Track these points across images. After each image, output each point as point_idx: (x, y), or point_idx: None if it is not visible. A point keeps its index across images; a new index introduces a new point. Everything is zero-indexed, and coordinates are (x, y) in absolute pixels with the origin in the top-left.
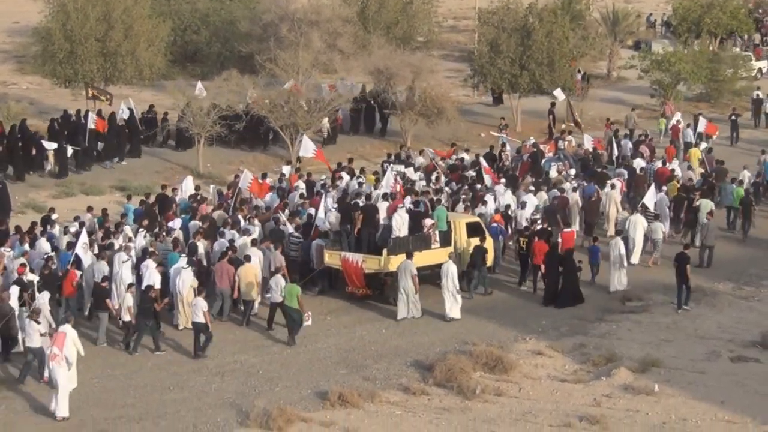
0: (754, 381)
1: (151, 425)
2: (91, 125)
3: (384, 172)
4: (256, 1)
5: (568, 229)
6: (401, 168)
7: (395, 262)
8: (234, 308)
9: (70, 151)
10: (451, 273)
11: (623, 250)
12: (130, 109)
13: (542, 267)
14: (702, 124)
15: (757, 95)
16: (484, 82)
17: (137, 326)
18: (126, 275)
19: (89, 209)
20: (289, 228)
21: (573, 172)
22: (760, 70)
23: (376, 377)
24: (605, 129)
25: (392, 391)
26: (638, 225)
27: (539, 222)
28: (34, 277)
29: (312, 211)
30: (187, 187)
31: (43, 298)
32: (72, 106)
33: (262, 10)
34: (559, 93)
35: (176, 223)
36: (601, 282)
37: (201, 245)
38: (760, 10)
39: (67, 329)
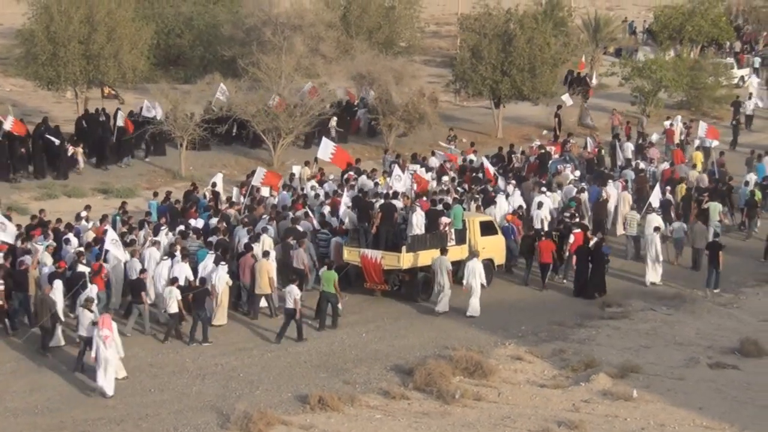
0: (733, 388)
1: (132, 427)
2: (120, 123)
3: (390, 172)
4: (240, 5)
5: (578, 229)
6: (418, 167)
7: (412, 258)
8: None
9: (70, 150)
10: (477, 271)
11: (659, 246)
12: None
13: (573, 260)
14: (702, 129)
15: (737, 98)
16: (466, 88)
17: (195, 316)
18: (165, 270)
19: (122, 204)
20: (316, 225)
21: (578, 174)
22: (742, 77)
23: (356, 381)
24: (626, 132)
25: (372, 395)
26: (652, 224)
27: (575, 217)
28: (86, 269)
29: (325, 210)
30: (218, 184)
31: (91, 291)
32: (55, 108)
33: (246, 14)
34: (567, 98)
35: (199, 222)
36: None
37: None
38: (741, 19)
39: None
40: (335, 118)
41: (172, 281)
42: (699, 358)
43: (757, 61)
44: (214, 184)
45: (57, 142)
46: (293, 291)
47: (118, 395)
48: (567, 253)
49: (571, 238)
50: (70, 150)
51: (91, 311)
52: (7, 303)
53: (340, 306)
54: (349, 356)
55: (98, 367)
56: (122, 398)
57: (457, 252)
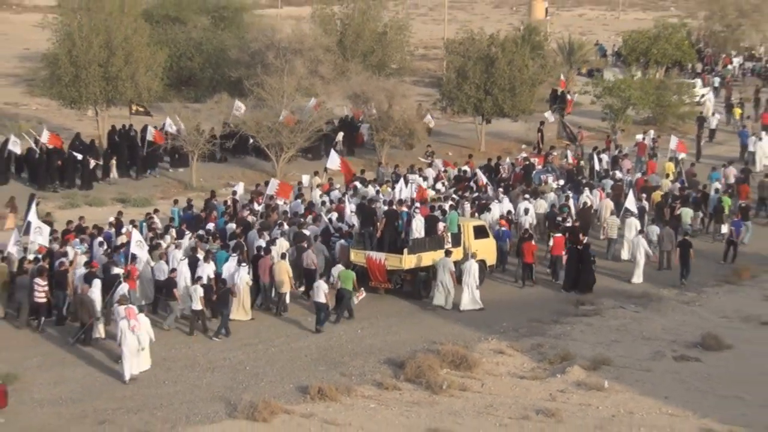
0: (695, 379)
1: (148, 416)
2: (149, 137)
3: (396, 180)
4: (245, 30)
5: (558, 234)
6: (417, 177)
7: (413, 260)
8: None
9: (92, 163)
10: (472, 270)
11: (647, 247)
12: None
13: (564, 259)
14: (673, 143)
15: (701, 113)
16: (452, 106)
17: (215, 313)
18: (185, 270)
19: (153, 212)
20: (331, 229)
21: (561, 182)
22: (702, 96)
23: (353, 373)
24: (606, 144)
25: (367, 386)
26: (632, 227)
27: (570, 221)
28: (119, 270)
29: (333, 216)
30: (238, 192)
31: (123, 289)
32: (77, 125)
33: (251, 39)
34: (549, 115)
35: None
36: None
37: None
38: (702, 43)
39: (141, 316)
40: (341, 134)
41: (197, 280)
42: (664, 351)
43: (717, 80)
44: (234, 192)
45: (80, 156)
46: (322, 286)
47: (135, 387)
48: (549, 254)
49: (551, 242)
50: (92, 163)
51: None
52: (49, 300)
53: (355, 301)
54: (346, 350)
55: (123, 356)
56: (138, 389)
57: (453, 254)
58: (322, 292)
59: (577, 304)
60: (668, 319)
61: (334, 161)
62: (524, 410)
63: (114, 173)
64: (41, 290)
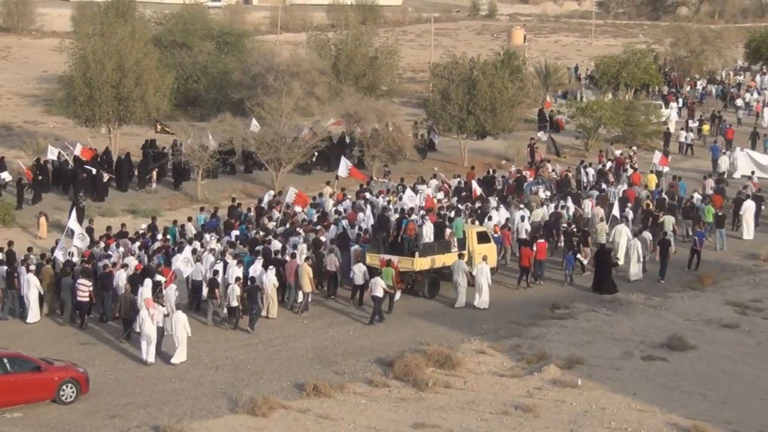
0: (662, 377)
1: (156, 411)
2: (77, 153)
3: (402, 191)
4: (247, 55)
5: (542, 240)
6: (425, 188)
7: (424, 262)
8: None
9: (105, 177)
10: (485, 272)
11: (641, 249)
12: (60, 153)
13: (591, 263)
14: (657, 157)
15: (667, 128)
16: (437, 125)
17: (248, 309)
18: (232, 271)
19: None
20: (352, 235)
21: (548, 194)
22: (668, 117)
23: (345, 371)
24: (599, 159)
25: (358, 383)
26: (623, 233)
27: (574, 229)
28: (161, 278)
29: (345, 223)
30: (267, 199)
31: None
32: (91, 142)
33: (252, 63)
34: (542, 134)
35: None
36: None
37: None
38: (668, 67)
39: (179, 313)
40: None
41: (236, 280)
42: (633, 351)
43: (680, 101)
44: (260, 200)
45: (94, 171)
46: (379, 282)
47: (144, 383)
48: (534, 260)
49: (534, 247)
50: (105, 176)
51: (162, 305)
52: (93, 300)
53: (397, 296)
54: (339, 351)
55: (142, 340)
56: (147, 386)
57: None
58: (379, 287)
59: (552, 308)
60: (637, 321)
61: (344, 170)
62: (504, 406)
63: (154, 183)
64: (85, 290)
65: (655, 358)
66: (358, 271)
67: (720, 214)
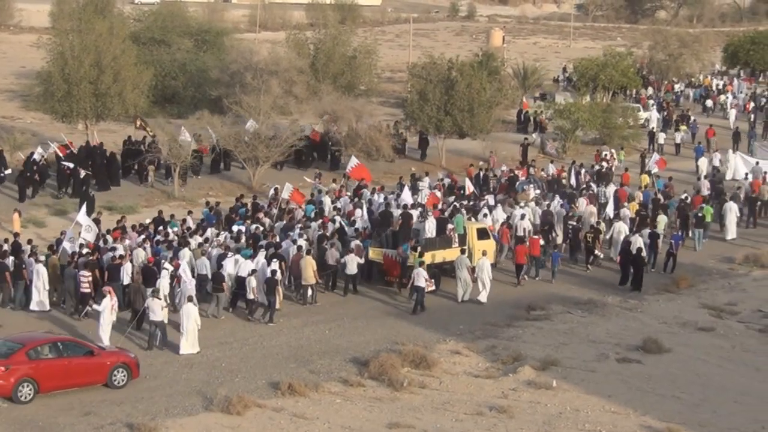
0: (636, 379)
1: (130, 408)
2: (54, 149)
3: (402, 188)
4: (225, 53)
5: (536, 236)
6: (427, 186)
7: (427, 257)
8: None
9: (82, 173)
10: (486, 267)
11: (640, 244)
12: (42, 155)
13: (618, 260)
14: (654, 159)
15: (652, 128)
16: (415, 125)
17: (269, 303)
18: (232, 266)
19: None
20: (360, 227)
21: (538, 192)
22: (647, 119)
23: (320, 371)
24: (595, 160)
25: (333, 382)
26: (621, 231)
27: (579, 224)
28: (167, 270)
29: (342, 219)
30: (286, 193)
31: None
32: (68, 138)
33: (230, 61)
34: (536, 136)
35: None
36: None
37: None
38: (646, 70)
39: (190, 305)
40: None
41: (252, 272)
42: (608, 353)
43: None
44: (276, 190)
45: (71, 166)
46: (422, 273)
47: None
48: (528, 255)
49: (527, 243)
50: (82, 173)
51: (159, 299)
52: (95, 291)
53: (427, 289)
54: (315, 350)
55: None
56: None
57: (458, 252)
58: (422, 278)
59: (528, 309)
60: (612, 323)
61: (351, 165)
62: (478, 407)
63: (151, 177)
64: (86, 281)
65: (630, 360)
66: (351, 261)
67: (699, 215)
